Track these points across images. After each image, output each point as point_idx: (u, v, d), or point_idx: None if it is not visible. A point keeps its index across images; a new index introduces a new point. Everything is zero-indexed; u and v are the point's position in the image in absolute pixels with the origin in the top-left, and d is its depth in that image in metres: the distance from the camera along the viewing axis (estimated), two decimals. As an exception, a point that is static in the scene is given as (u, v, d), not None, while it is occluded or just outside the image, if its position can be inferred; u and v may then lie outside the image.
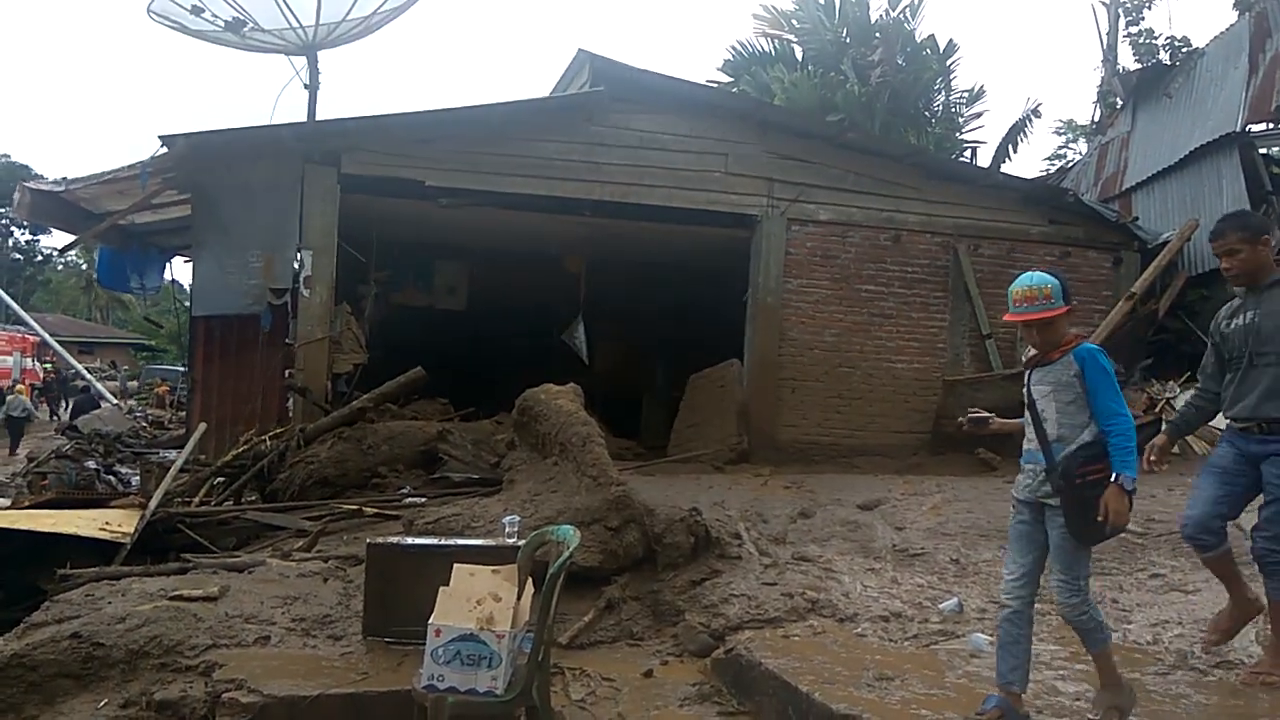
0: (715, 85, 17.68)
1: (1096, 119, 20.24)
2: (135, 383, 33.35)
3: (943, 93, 20.51)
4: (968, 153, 19.85)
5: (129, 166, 9.88)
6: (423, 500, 7.28)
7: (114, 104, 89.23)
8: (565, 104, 10.49)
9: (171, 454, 10.19)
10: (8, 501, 8.91)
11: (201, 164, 9.55)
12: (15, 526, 6.51)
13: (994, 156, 19.59)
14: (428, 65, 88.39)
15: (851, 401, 10.75)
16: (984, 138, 33.21)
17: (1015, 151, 19.67)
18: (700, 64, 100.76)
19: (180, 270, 16.57)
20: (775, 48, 20.19)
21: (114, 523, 6.62)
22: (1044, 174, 17.46)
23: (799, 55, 20.07)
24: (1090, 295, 11.21)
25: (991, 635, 4.57)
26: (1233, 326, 3.93)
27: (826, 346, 10.75)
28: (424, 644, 3.53)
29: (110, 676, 4.25)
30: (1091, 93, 31.21)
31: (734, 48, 19.82)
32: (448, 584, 3.57)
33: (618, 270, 13.50)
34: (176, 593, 4.80)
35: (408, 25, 79.67)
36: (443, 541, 4.76)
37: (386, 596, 4.45)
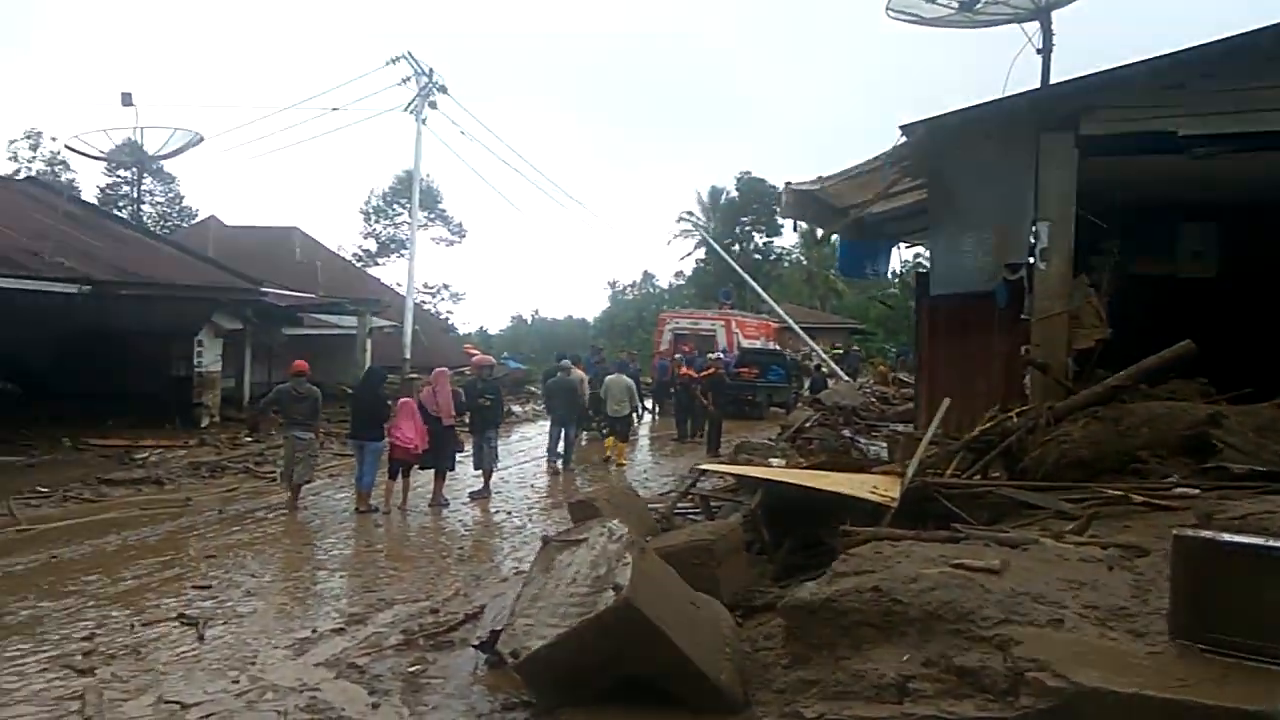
0: None
1: None
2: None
3: None
4: None
5: (872, 159, 10.66)
6: (1195, 492, 6.43)
7: (853, 103, 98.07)
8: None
9: (897, 427, 10.81)
10: (783, 461, 10.38)
11: (936, 148, 9.89)
12: (802, 483, 7.45)
13: None
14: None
15: None
16: None
17: None
18: None
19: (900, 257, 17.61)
20: None
21: (881, 487, 7.14)
22: None
23: None
24: None
25: None
26: None
27: None
28: (1264, 659, 2.99)
29: (907, 633, 4.48)
30: None
31: None
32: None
33: None
34: (958, 561, 4.89)
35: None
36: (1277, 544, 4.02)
37: (1200, 598, 3.92)
